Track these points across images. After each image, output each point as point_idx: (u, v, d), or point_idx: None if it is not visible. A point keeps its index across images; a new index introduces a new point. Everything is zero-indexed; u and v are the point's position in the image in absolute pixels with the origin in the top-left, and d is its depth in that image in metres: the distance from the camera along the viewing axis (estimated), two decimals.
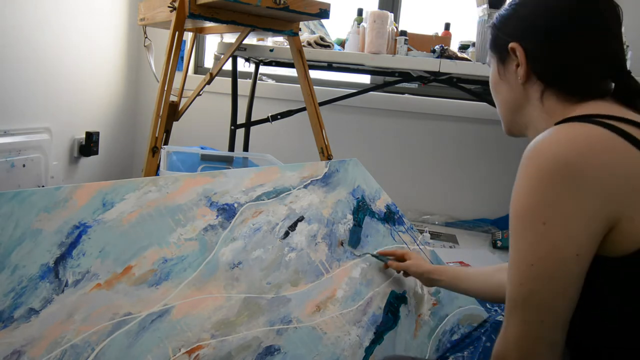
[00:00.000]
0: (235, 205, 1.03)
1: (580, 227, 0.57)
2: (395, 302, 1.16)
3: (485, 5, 1.84)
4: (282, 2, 1.41)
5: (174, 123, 1.94)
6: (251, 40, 1.98)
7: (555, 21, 0.68)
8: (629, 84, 0.68)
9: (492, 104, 2.04)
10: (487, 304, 1.47)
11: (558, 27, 0.68)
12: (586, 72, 0.68)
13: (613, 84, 0.68)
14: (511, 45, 0.71)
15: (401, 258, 1.15)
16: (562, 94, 0.69)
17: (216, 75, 1.73)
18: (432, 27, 2.37)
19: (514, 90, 0.74)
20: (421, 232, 1.62)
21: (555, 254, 0.57)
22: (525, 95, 0.72)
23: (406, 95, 2.48)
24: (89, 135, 2.12)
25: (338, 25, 2.48)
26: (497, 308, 1.45)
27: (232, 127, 2.13)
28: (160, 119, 1.44)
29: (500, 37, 0.74)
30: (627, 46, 1.90)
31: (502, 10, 0.76)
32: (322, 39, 1.92)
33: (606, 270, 0.59)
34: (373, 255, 1.18)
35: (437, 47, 1.88)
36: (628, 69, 0.70)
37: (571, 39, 0.67)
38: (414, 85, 2.46)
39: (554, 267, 0.58)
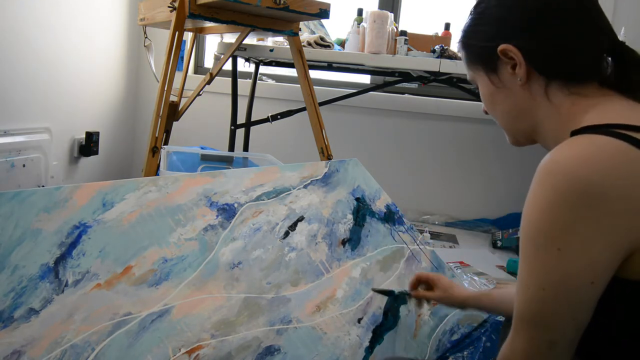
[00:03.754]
0: (235, 205, 1.03)
1: (598, 255, 0.53)
2: (395, 302, 1.16)
3: None
4: (282, 2, 1.41)
5: (174, 123, 1.95)
6: (251, 40, 1.98)
7: (539, 10, 0.66)
8: (627, 57, 0.66)
9: None
10: None
11: (544, 14, 0.66)
12: (584, 50, 0.65)
13: (610, 62, 0.66)
14: (501, 47, 0.67)
15: (427, 283, 1.08)
16: (565, 83, 0.65)
17: (216, 75, 1.73)
18: (432, 27, 2.37)
19: (514, 94, 0.69)
20: (421, 232, 1.62)
21: (568, 281, 0.55)
22: (527, 96, 0.68)
23: (406, 95, 2.48)
24: (89, 135, 2.12)
25: (338, 25, 2.48)
26: None
27: (232, 127, 2.13)
28: (160, 119, 1.44)
29: (480, 47, 0.71)
30: None
31: (465, 25, 0.74)
32: (322, 39, 1.92)
33: (622, 293, 0.56)
34: (397, 294, 1.13)
35: (437, 47, 1.88)
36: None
37: (560, 23, 0.65)
38: (414, 85, 2.46)
39: (566, 294, 0.55)
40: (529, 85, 0.68)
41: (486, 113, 0.77)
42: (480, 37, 0.71)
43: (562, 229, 0.54)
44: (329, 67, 2.06)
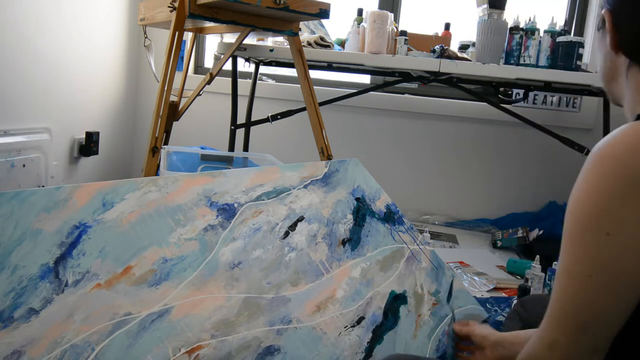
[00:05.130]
0: (235, 205, 1.03)
1: None
2: (395, 302, 1.16)
3: (485, 5, 1.84)
4: (282, 2, 1.41)
5: (174, 123, 1.95)
6: (251, 40, 1.98)
7: None
8: None
9: (492, 104, 2.04)
10: (487, 304, 1.47)
11: None
12: None
13: None
14: (603, 11, 0.66)
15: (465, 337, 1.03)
16: None
17: (216, 75, 1.73)
18: (432, 27, 2.37)
19: (606, 59, 0.69)
20: (421, 232, 1.62)
21: (616, 267, 0.54)
22: (615, 67, 0.68)
23: (406, 95, 2.48)
24: (89, 135, 2.12)
25: (338, 25, 2.48)
26: (496, 308, 1.45)
27: (232, 127, 2.13)
28: (160, 119, 1.44)
29: (602, 6, 0.70)
30: None
31: None
32: (322, 39, 1.92)
33: None
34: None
35: (437, 47, 1.88)
36: None
37: None
38: (414, 85, 2.46)
39: (614, 280, 0.54)
40: (616, 58, 0.67)
41: None
42: (607, 1, 0.70)
43: (612, 215, 0.54)
44: (329, 67, 2.06)
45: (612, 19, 0.65)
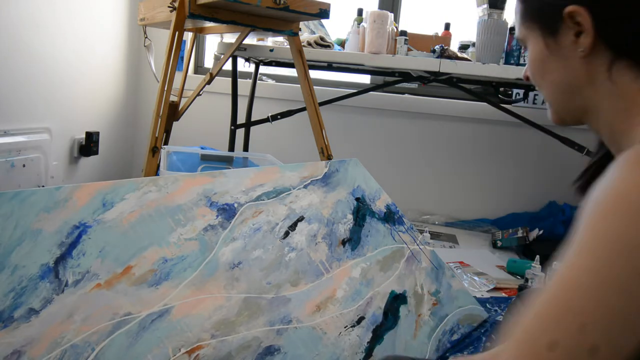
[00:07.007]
0: (235, 205, 1.03)
1: None
2: (395, 302, 1.16)
3: (485, 5, 1.84)
4: (282, 2, 1.41)
5: (174, 123, 1.95)
6: (251, 40, 1.98)
7: None
8: None
9: (492, 104, 2.04)
10: (487, 304, 1.47)
11: None
12: None
13: None
14: (569, 9, 0.55)
15: None
16: (636, 64, 0.54)
17: (216, 75, 1.73)
18: (432, 27, 2.37)
19: (571, 66, 0.58)
20: (421, 232, 1.62)
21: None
22: (586, 71, 0.57)
23: (406, 95, 2.48)
24: (89, 135, 2.12)
25: (338, 25, 2.48)
26: (496, 308, 1.45)
27: (232, 127, 2.13)
28: (160, 119, 1.44)
29: (548, 3, 0.58)
30: None
31: None
32: (322, 39, 1.92)
33: None
34: None
35: (437, 47, 1.88)
36: None
37: None
38: (414, 85, 2.46)
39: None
40: (590, 59, 0.56)
41: (527, 79, 0.66)
42: None
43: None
44: (329, 67, 2.06)
45: (590, 14, 0.54)
